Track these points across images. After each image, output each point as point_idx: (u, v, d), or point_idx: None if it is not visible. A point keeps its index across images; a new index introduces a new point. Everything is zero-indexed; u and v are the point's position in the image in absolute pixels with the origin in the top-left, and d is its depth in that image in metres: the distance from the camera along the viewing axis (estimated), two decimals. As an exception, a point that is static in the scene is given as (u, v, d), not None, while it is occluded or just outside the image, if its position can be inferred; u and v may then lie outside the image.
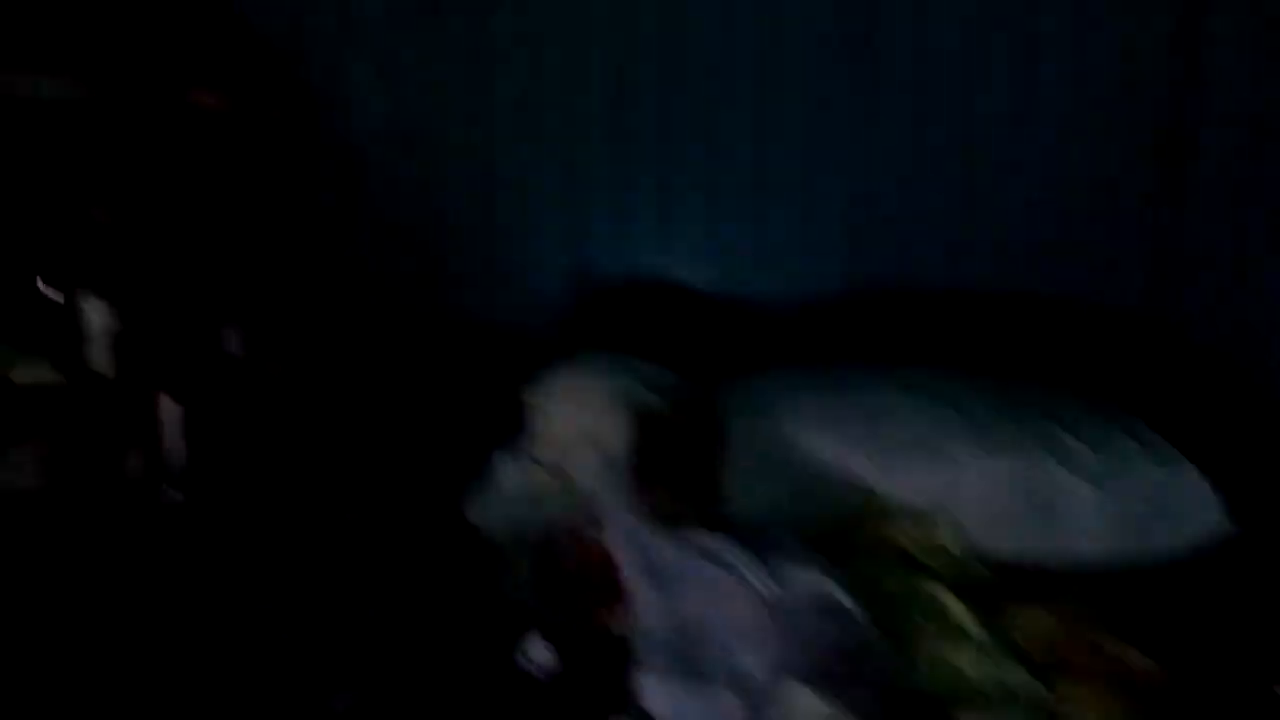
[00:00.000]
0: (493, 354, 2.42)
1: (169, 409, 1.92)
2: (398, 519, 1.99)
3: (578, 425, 1.89)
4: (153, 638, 1.66)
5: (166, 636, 1.67)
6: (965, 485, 1.78)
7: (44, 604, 1.71)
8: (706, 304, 2.52)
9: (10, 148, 1.94)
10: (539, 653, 1.54)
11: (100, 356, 1.87)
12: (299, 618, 1.72)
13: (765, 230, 2.52)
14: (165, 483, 1.93)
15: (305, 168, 2.42)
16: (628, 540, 1.64)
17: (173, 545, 1.88)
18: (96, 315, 1.86)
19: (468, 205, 2.49)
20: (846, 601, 1.50)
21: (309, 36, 2.39)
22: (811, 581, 1.51)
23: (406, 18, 2.40)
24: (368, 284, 2.50)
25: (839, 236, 2.52)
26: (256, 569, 1.84)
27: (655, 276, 2.52)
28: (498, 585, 1.77)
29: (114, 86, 2.01)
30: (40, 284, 1.87)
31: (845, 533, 1.70)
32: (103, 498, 1.90)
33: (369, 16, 2.40)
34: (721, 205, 2.51)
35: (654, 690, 1.44)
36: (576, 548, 1.76)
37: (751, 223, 2.52)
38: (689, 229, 2.52)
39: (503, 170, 2.48)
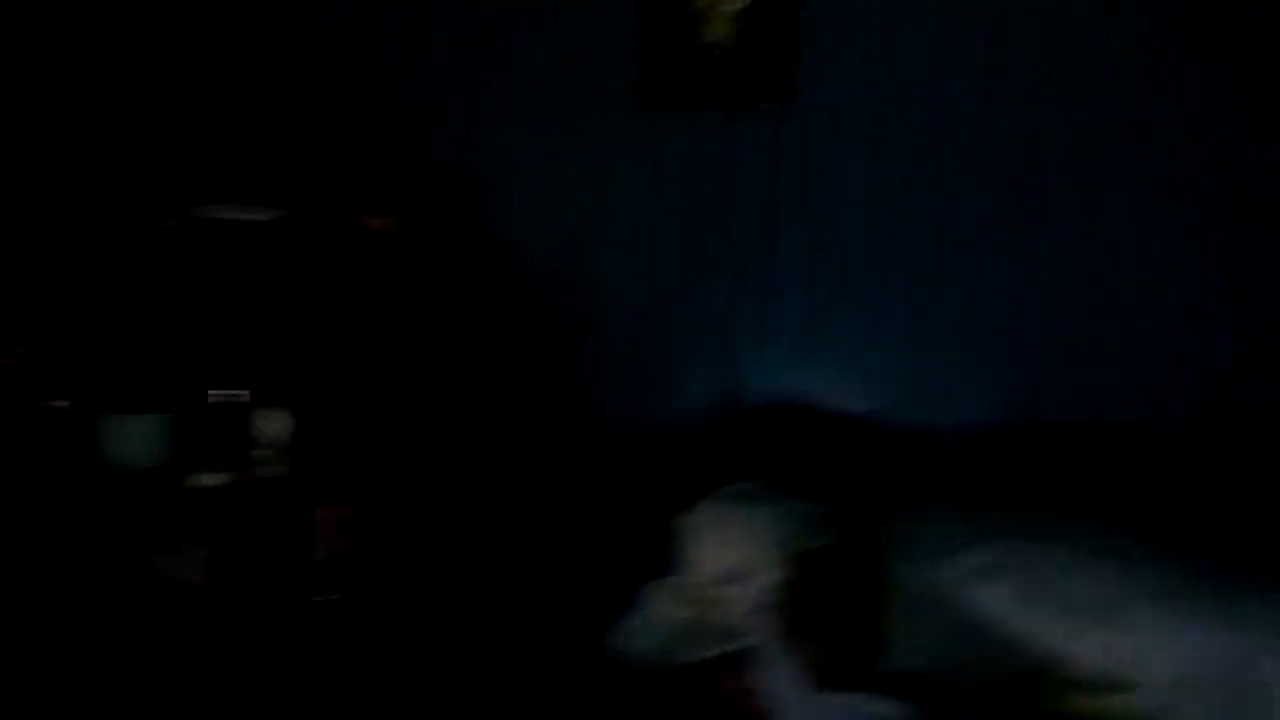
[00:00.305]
0: (643, 474, 2.42)
1: (331, 514, 1.97)
2: (542, 641, 1.98)
3: (730, 562, 1.83)
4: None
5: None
6: (1155, 658, 1.61)
7: (195, 694, 1.78)
8: (858, 430, 2.45)
9: (203, 267, 2.09)
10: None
11: (272, 462, 1.94)
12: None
13: (920, 360, 2.46)
14: (322, 585, 1.97)
15: (471, 286, 2.52)
16: (777, 693, 1.56)
17: (322, 646, 1.91)
18: (271, 423, 1.94)
19: (622, 323, 2.54)
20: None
21: (482, 165, 2.52)
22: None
23: (568, 149, 2.51)
24: (524, 398, 2.55)
25: (996, 367, 2.44)
26: (400, 676, 1.86)
27: (805, 401, 2.48)
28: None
29: (300, 211, 2.15)
30: (221, 392, 1.97)
31: (1020, 702, 1.57)
32: (262, 597, 1.95)
33: (535, 148, 2.51)
34: (876, 332, 2.47)
35: None
36: (721, 690, 1.69)
37: (907, 352, 2.46)
38: (842, 354, 2.49)
39: (657, 291, 2.52)
